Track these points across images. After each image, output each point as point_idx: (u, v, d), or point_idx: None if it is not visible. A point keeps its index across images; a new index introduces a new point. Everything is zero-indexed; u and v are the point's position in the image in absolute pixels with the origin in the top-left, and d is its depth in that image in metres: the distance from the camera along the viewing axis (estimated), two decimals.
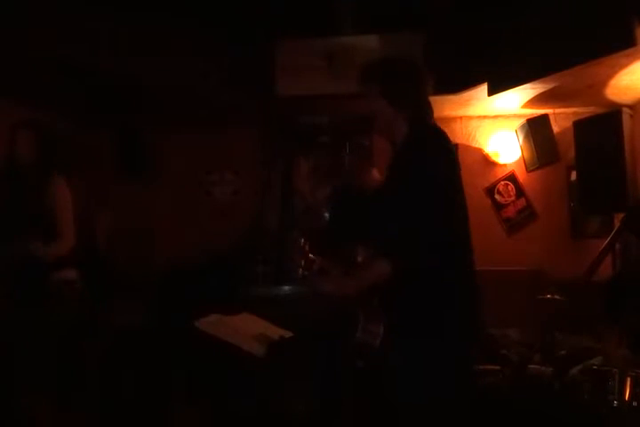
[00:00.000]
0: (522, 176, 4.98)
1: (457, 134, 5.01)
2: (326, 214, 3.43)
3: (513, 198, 5.00)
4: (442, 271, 1.95)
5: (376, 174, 3.26)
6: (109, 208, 4.57)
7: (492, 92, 4.13)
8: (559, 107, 4.68)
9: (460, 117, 5.04)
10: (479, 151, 5.04)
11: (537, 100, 4.48)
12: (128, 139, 5.18)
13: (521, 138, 4.81)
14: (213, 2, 3.85)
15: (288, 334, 2.43)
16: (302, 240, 2.19)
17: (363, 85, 2.12)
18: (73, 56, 3.73)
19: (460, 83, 4.24)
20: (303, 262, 2.19)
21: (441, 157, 1.98)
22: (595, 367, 2.84)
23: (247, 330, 2.38)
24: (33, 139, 3.08)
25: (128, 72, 4.07)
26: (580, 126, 4.18)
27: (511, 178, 5.01)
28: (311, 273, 2.16)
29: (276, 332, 2.43)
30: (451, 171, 2.00)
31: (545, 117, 4.65)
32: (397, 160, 2.09)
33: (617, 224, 3.95)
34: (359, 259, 2.96)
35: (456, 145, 4.89)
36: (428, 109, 2.10)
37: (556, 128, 4.69)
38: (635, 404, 2.59)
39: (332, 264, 2.14)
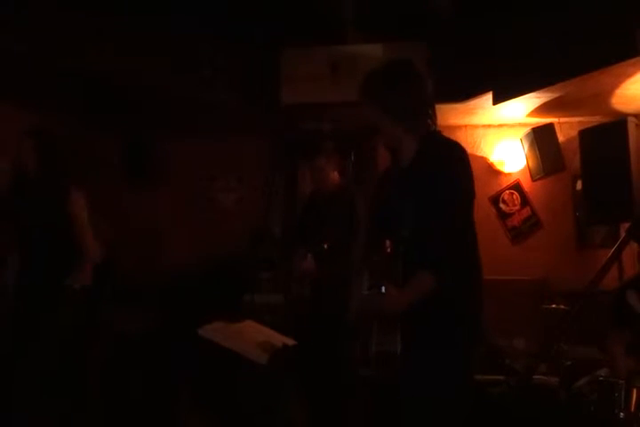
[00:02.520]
0: (527, 185, 4.96)
1: (462, 143, 4.92)
2: None
3: (518, 207, 4.98)
4: (452, 281, 1.94)
5: (336, 177, 3.29)
6: (110, 215, 4.56)
7: (496, 100, 4.14)
8: (564, 116, 4.67)
9: (465, 126, 5.04)
10: (484, 160, 5.03)
11: (542, 109, 4.48)
12: (133, 145, 5.20)
13: (526, 147, 4.80)
14: (218, 10, 3.87)
15: (291, 341, 2.42)
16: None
17: (362, 97, 2.12)
18: (78, 62, 3.75)
19: (465, 91, 4.24)
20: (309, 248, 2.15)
21: (462, 169, 2.00)
22: (601, 379, 2.81)
23: (250, 338, 2.37)
24: (37, 147, 3.06)
25: (134, 79, 4.09)
26: (585, 135, 4.16)
27: (516, 187, 5.00)
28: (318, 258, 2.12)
29: (279, 339, 2.41)
30: (471, 184, 2.02)
31: (550, 126, 4.64)
32: (412, 174, 2.06)
33: (623, 234, 3.92)
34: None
35: None
36: (430, 116, 2.09)
37: (561, 137, 4.69)
38: None
39: (390, 286, 2.06)
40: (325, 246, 2.23)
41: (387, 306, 1.98)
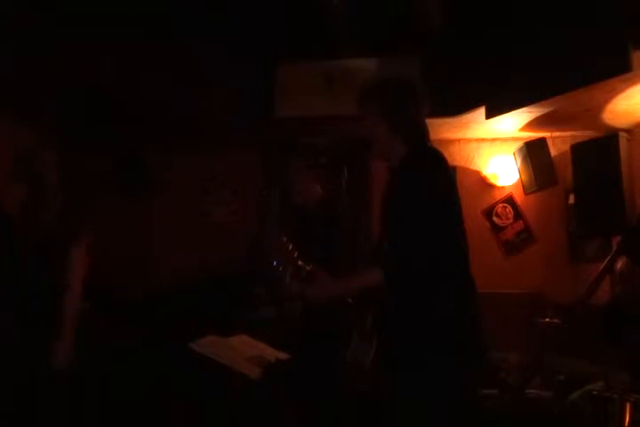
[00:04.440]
0: (520, 199, 4.99)
1: (455, 157, 5.04)
2: None
3: (511, 221, 5.00)
4: (438, 298, 1.93)
5: (318, 190, 3.28)
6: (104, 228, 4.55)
7: (489, 115, 4.17)
8: (557, 130, 4.71)
9: (459, 140, 5.08)
10: (477, 174, 5.06)
11: (534, 124, 4.51)
12: (128, 160, 5.20)
13: (519, 161, 4.84)
14: (215, 25, 3.90)
15: (284, 355, 2.40)
16: (290, 246, 2.17)
17: (361, 106, 2.14)
18: (78, 76, 3.76)
19: (459, 106, 4.27)
20: (291, 269, 2.17)
21: (436, 176, 1.99)
22: (594, 393, 2.80)
23: (243, 352, 2.35)
24: (56, 160, 3.04)
25: (131, 92, 4.10)
26: (577, 150, 4.19)
27: (509, 200, 5.02)
28: (300, 280, 2.15)
29: (272, 354, 2.40)
30: (446, 190, 2.00)
31: (542, 141, 4.68)
32: (394, 181, 2.09)
33: (615, 247, 3.94)
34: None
35: (454, 167, 4.92)
36: (425, 131, 2.12)
37: (553, 151, 4.72)
38: None
39: (323, 272, 2.13)
40: (308, 269, 2.20)
41: (313, 292, 2.06)
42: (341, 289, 2.06)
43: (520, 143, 4.76)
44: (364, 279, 1.99)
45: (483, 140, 5.08)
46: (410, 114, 2.08)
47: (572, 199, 4.59)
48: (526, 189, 4.87)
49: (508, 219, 5.01)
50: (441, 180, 1.99)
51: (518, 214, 5.00)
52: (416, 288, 1.92)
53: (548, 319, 3.59)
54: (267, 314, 3.91)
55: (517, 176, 4.92)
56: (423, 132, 2.11)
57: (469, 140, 5.09)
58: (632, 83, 3.48)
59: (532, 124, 4.54)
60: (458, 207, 2.02)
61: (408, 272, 1.91)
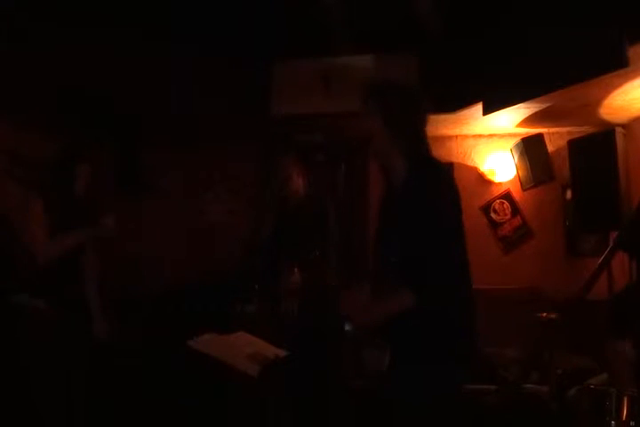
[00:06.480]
0: (517, 194, 5.00)
1: (453, 153, 5.05)
2: None
3: (509, 217, 5.01)
4: (437, 304, 1.95)
5: (300, 189, 3.28)
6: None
7: (486, 111, 4.18)
8: (553, 126, 4.72)
9: (456, 136, 5.08)
10: (475, 170, 5.06)
11: (531, 120, 4.52)
12: (125, 158, 5.19)
13: (516, 157, 4.85)
14: (211, 23, 3.89)
15: (283, 353, 2.41)
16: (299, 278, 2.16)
17: (364, 106, 2.13)
18: (72, 77, 3.76)
19: (456, 102, 4.28)
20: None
21: (446, 193, 2.01)
22: (592, 387, 2.81)
23: (242, 349, 2.36)
24: (90, 172, 3.19)
25: (127, 91, 4.10)
26: (574, 145, 4.21)
27: (507, 196, 5.03)
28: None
29: (271, 351, 2.40)
30: (455, 208, 2.03)
31: (539, 136, 4.69)
32: (399, 195, 2.07)
33: (612, 242, 3.96)
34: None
35: (452, 164, 4.93)
36: (424, 138, 2.11)
37: (550, 147, 4.73)
38: (632, 424, 2.56)
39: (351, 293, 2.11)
40: (317, 253, 2.20)
41: (360, 316, 2.02)
42: (382, 316, 1.99)
43: (517, 139, 4.77)
44: (400, 304, 1.95)
45: (480, 136, 5.09)
46: (408, 120, 2.08)
47: (569, 195, 4.60)
48: (524, 185, 4.88)
49: (505, 215, 5.02)
50: (453, 200, 2.02)
51: (516, 210, 5.01)
52: (434, 300, 1.94)
53: (545, 314, 3.60)
54: (251, 309, 3.91)
55: (515, 172, 4.93)
56: (420, 140, 2.10)
57: (467, 137, 5.10)
58: (628, 78, 3.49)
59: (528, 120, 4.55)
60: (460, 220, 2.05)
61: (435, 288, 1.93)
